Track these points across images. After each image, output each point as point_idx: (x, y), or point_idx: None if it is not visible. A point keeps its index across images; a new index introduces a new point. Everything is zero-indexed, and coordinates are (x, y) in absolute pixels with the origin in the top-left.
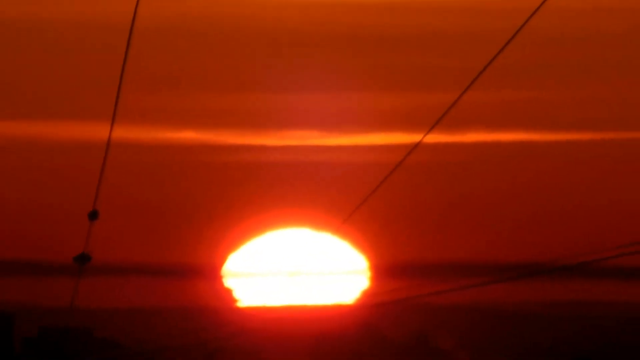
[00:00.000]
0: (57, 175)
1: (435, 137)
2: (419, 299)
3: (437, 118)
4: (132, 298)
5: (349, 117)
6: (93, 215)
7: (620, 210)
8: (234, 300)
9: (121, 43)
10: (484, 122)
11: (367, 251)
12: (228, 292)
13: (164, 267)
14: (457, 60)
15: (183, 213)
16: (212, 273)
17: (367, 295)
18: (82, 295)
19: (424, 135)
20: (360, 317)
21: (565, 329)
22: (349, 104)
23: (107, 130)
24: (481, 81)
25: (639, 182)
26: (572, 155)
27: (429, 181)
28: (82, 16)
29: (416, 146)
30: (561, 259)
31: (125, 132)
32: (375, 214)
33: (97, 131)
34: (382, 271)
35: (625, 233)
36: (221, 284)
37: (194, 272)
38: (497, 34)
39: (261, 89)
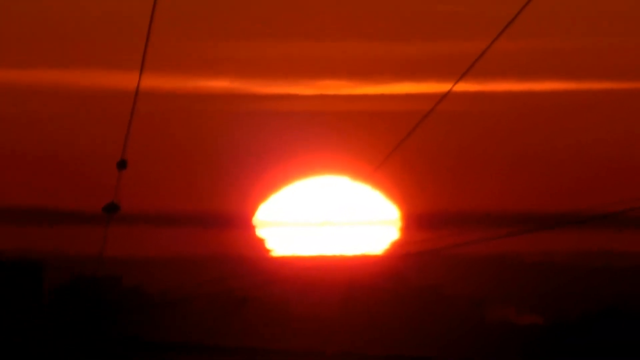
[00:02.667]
0: (85, 124)
1: (465, 86)
2: (447, 249)
3: (467, 67)
4: (161, 247)
5: (379, 66)
6: (122, 165)
7: None
8: (264, 250)
9: None
10: (516, 71)
11: (398, 200)
12: (258, 241)
13: (194, 216)
14: (489, 8)
15: (213, 162)
16: (242, 222)
17: (397, 245)
18: (111, 245)
19: (454, 84)
20: (390, 267)
21: (592, 280)
22: (379, 52)
23: (136, 79)
24: (512, 29)
25: None
26: (606, 105)
27: (460, 131)
28: None
29: (446, 95)
30: (589, 209)
31: (154, 80)
32: (407, 163)
33: (125, 79)
34: (413, 221)
35: None
36: (251, 233)
37: (223, 220)
38: None
39: (293, 38)
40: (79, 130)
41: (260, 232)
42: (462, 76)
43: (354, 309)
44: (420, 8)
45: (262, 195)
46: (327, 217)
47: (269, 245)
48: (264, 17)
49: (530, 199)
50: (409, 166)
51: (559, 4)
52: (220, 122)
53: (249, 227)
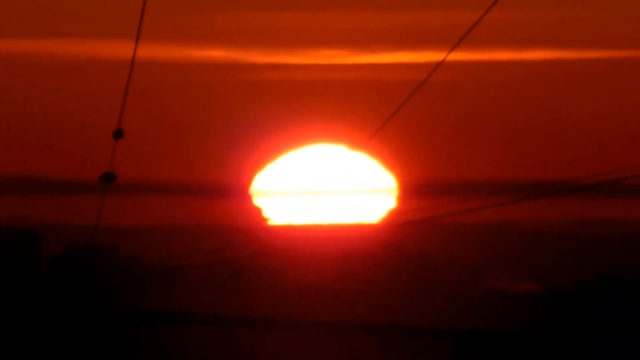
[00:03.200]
0: (81, 94)
1: (459, 56)
2: (444, 217)
3: (461, 36)
4: (157, 216)
5: (374, 36)
6: (118, 134)
7: None
8: (260, 219)
9: None
10: (509, 41)
11: (393, 169)
12: (254, 210)
13: (190, 185)
14: None
15: (209, 132)
16: (239, 191)
17: (392, 214)
18: (108, 214)
19: (448, 54)
20: (386, 236)
21: (589, 249)
22: (374, 22)
23: (132, 49)
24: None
25: None
26: (600, 74)
27: (454, 100)
28: None
29: (439, 64)
30: (585, 177)
31: (150, 51)
32: (402, 131)
33: (121, 49)
34: (408, 190)
35: None
36: (248, 202)
37: (220, 190)
38: None
39: (288, 8)
40: (75, 100)
41: (256, 202)
42: (455, 45)
43: (350, 278)
44: None
45: (259, 165)
46: (323, 186)
47: (265, 214)
48: None
49: (527, 167)
50: (405, 135)
51: None
52: (216, 92)
53: (246, 197)
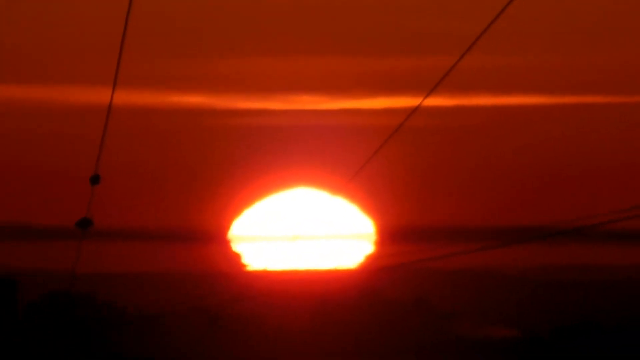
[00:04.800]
0: (58, 140)
1: (435, 101)
2: (420, 263)
3: (437, 82)
4: (135, 263)
5: (351, 82)
6: (95, 180)
7: (621, 174)
8: (238, 265)
9: (122, 6)
10: (485, 86)
11: (371, 213)
12: (232, 256)
13: (167, 231)
14: (458, 24)
15: (186, 178)
16: (216, 238)
17: (369, 259)
18: (85, 260)
19: (424, 99)
20: (363, 281)
21: (566, 293)
22: (350, 68)
23: (109, 95)
24: (481, 45)
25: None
26: (574, 119)
27: (431, 144)
28: None
29: (416, 109)
30: (562, 223)
31: (127, 97)
32: (379, 176)
33: (98, 95)
34: (385, 234)
35: (627, 196)
36: (225, 248)
37: (197, 236)
38: None
39: (265, 54)
40: (51, 145)
41: (234, 247)
42: (431, 90)
43: (327, 323)
44: (391, 25)
45: (237, 210)
46: (300, 231)
47: (242, 260)
48: (237, 34)
49: (503, 212)
50: (382, 179)
51: (526, 22)
52: (194, 138)
53: (224, 243)
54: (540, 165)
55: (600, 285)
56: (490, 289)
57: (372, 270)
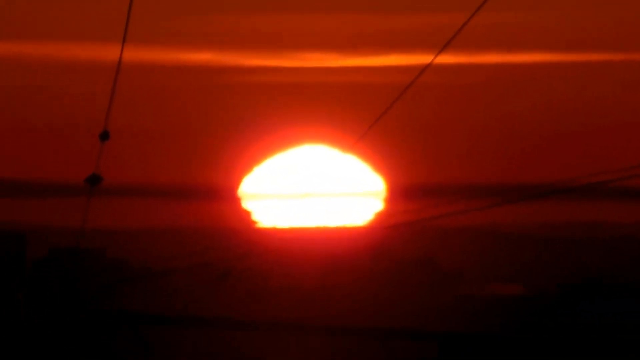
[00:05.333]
0: (68, 96)
1: (446, 58)
2: (429, 221)
3: (449, 39)
4: (143, 219)
5: (362, 39)
6: (104, 136)
7: (628, 132)
8: (247, 222)
9: None
10: (496, 43)
11: (380, 172)
12: (241, 213)
13: (176, 188)
14: None
15: (195, 134)
16: (225, 194)
17: (379, 217)
18: (94, 217)
19: (435, 56)
20: (371, 239)
21: (574, 251)
22: (362, 25)
23: (118, 51)
24: (494, 2)
25: None
26: (586, 76)
27: (441, 102)
28: None
29: (427, 67)
30: (569, 181)
31: (136, 54)
32: (389, 134)
33: (108, 52)
34: (395, 192)
35: (633, 154)
36: (235, 204)
37: (207, 192)
38: None
39: (275, 10)
40: (61, 102)
41: (244, 204)
42: (443, 48)
43: (336, 281)
44: None
45: (247, 167)
46: (309, 189)
47: (252, 217)
48: None
49: (513, 169)
50: (392, 138)
51: None
52: (203, 95)
53: (233, 199)
54: (548, 123)
55: (605, 242)
56: (497, 247)
57: (381, 228)
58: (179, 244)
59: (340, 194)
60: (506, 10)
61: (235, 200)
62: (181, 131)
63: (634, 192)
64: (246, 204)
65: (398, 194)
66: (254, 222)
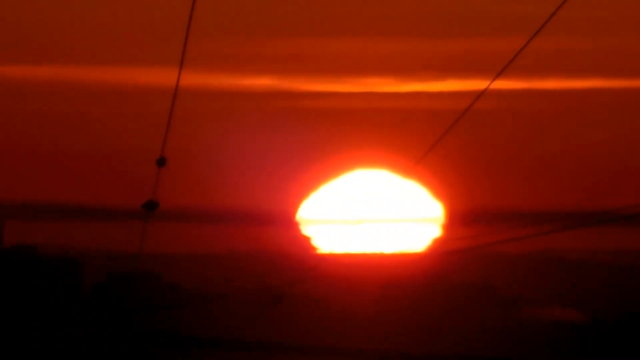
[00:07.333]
0: (125, 122)
1: (503, 84)
2: (487, 247)
3: (505, 65)
4: (199, 244)
5: (418, 64)
6: (161, 162)
7: None
8: (302, 247)
9: None
10: (554, 69)
11: (438, 196)
12: (298, 238)
13: (232, 213)
14: (527, 6)
15: (253, 159)
16: (282, 220)
17: (436, 243)
18: (150, 242)
19: (492, 81)
20: (429, 265)
21: (637, 279)
22: (418, 50)
23: (176, 76)
24: (550, 28)
25: None
26: None
27: (499, 128)
28: None
29: (484, 92)
30: (633, 207)
31: (193, 78)
32: (447, 159)
33: (165, 76)
34: (451, 218)
35: None
36: (291, 230)
37: (262, 218)
38: None
39: (333, 35)
40: (119, 127)
41: (300, 229)
42: (499, 74)
43: (392, 307)
44: (458, 6)
45: (303, 192)
46: (366, 214)
47: (308, 242)
48: (306, 14)
49: (572, 196)
50: (450, 162)
51: (596, 2)
52: (261, 120)
53: (290, 224)
54: (611, 149)
55: None
56: (557, 273)
57: (439, 254)
58: (235, 269)
59: (397, 219)
60: (564, 35)
61: (292, 225)
62: (238, 156)
63: None
64: (304, 229)
65: (456, 219)
66: (311, 247)
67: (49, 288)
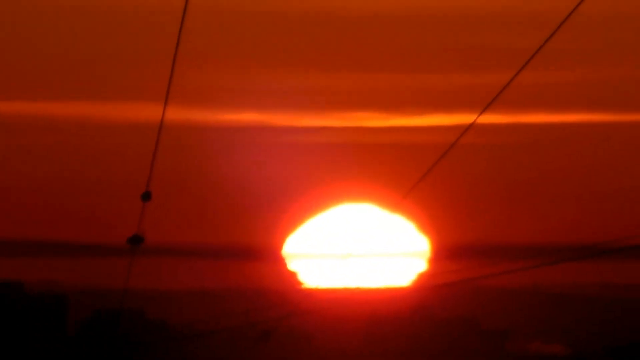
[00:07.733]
0: (110, 156)
1: (490, 118)
2: (473, 281)
3: (491, 99)
4: (185, 279)
5: (405, 98)
6: (146, 197)
7: None
8: (288, 282)
9: (175, 21)
10: (540, 103)
11: (424, 230)
12: (284, 274)
13: (218, 248)
14: (512, 41)
15: (238, 194)
16: (268, 255)
17: (421, 277)
18: (135, 277)
19: (478, 116)
20: (415, 299)
21: (619, 312)
22: (405, 85)
23: (160, 111)
24: (536, 62)
25: None
26: (633, 136)
27: (485, 162)
28: None
29: (470, 126)
30: (618, 240)
31: (179, 112)
32: (433, 193)
33: (150, 112)
34: (438, 252)
35: None
36: (277, 265)
37: (248, 253)
38: (552, 14)
39: (319, 70)
40: (103, 161)
41: (286, 265)
42: (485, 108)
43: (379, 341)
44: (445, 41)
45: (289, 227)
46: (352, 248)
47: (294, 277)
48: (291, 49)
49: (557, 230)
50: (436, 197)
51: (582, 36)
52: (246, 154)
53: (275, 260)
54: (596, 183)
55: None
56: (541, 307)
57: (425, 288)
58: (220, 304)
59: (384, 253)
60: (550, 69)
61: (278, 261)
62: (223, 190)
63: None
64: (290, 265)
65: (442, 253)
66: (297, 283)
67: (35, 325)
